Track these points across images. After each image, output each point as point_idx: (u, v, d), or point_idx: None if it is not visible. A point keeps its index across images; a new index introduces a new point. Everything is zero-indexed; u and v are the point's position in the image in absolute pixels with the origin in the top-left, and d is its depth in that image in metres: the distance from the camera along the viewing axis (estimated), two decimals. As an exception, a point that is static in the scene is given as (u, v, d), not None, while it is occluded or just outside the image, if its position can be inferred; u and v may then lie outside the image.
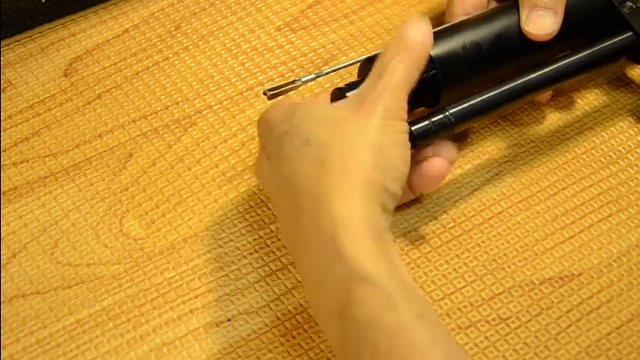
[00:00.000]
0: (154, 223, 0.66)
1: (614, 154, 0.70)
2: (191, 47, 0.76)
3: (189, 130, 0.71)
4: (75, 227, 0.65)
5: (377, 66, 0.60)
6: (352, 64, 0.64)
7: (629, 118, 0.72)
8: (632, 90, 0.73)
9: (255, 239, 0.65)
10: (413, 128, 0.60)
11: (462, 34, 0.64)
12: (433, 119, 0.61)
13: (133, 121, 0.71)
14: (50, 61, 0.74)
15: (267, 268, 0.64)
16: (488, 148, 0.70)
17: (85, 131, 0.70)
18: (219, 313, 0.62)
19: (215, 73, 0.74)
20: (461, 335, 0.61)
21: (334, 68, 0.63)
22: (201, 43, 0.76)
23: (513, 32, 0.65)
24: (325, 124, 0.58)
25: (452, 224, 0.66)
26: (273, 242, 0.65)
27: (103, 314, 0.61)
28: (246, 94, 0.73)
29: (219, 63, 0.75)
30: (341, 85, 0.63)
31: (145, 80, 0.73)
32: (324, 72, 0.63)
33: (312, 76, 0.63)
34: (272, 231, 0.65)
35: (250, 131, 0.70)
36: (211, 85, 0.73)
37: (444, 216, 0.67)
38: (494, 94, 0.63)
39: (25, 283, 0.63)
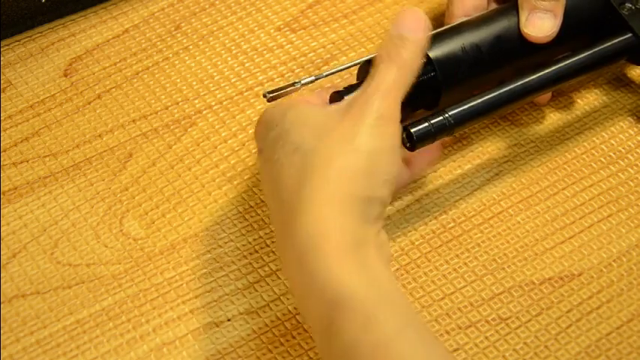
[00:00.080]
0: (154, 223, 0.66)
1: (614, 154, 0.70)
2: (191, 47, 0.76)
3: (189, 130, 0.71)
4: (75, 227, 0.65)
5: (371, 70, 0.59)
6: (352, 66, 0.64)
7: (629, 118, 0.72)
8: (632, 90, 0.73)
9: (255, 239, 0.65)
10: (412, 130, 0.60)
11: (461, 35, 0.64)
12: (432, 121, 0.61)
13: (133, 121, 0.71)
14: (50, 61, 0.74)
15: (267, 268, 0.64)
16: (488, 148, 0.70)
17: (85, 131, 0.70)
18: (219, 313, 0.62)
19: (215, 73, 0.74)
20: (461, 335, 0.61)
21: (333, 70, 0.63)
22: (201, 43, 0.76)
23: (513, 34, 0.65)
24: (314, 130, 0.57)
25: (452, 224, 0.66)
26: (272, 242, 0.65)
27: (103, 314, 0.62)
28: (246, 94, 0.73)
29: (219, 63, 0.75)
30: (342, 84, 0.63)
31: (145, 80, 0.73)
32: (324, 74, 0.63)
33: (312, 78, 0.63)
34: (272, 231, 0.65)
35: (250, 131, 0.70)
36: (211, 85, 0.73)
37: (444, 216, 0.67)
38: (494, 96, 0.63)
39: (25, 283, 0.63)
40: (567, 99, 0.73)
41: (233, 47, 0.76)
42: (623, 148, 0.70)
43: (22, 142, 0.70)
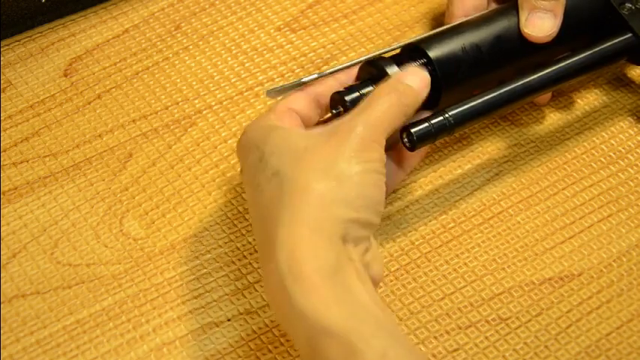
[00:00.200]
0: (154, 223, 0.66)
1: (614, 154, 0.70)
2: (191, 47, 0.76)
3: (189, 130, 0.71)
4: (75, 227, 0.65)
5: (365, 100, 0.59)
6: (352, 65, 0.64)
7: (629, 118, 0.72)
8: (632, 90, 0.74)
9: (254, 239, 0.65)
10: (412, 130, 0.60)
11: (461, 36, 0.64)
12: (432, 121, 0.61)
13: (133, 121, 0.71)
14: (50, 61, 0.74)
15: (267, 269, 0.64)
16: (488, 148, 0.70)
17: (85, 131, 0.70)
18: (219, 313, 0.62)
19: (215, 73, 0.74)
20: (461, 335, 0.61)
21: (334, 69, 0.63)
22: (201, 43, 0.76)
23: (513, 34, 0.65)
24: (294, 154, 0.56)
25: (452, 224, 0.66)
26: (273, 242, 0.65)
27: (103, 314, 0.62)
28: (246, 94, 0.73)
29: (219, 63, 0.75)
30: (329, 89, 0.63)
31: (145, 80, 0.73)
32: (325, 72, 0.63)
33: (314, 76, 0.63)
34: (272, 231, 0.65)
35: (250, 131, 0.70)
36: (211, 85, 0.73)
37: (444, 216, 0.67)
38: (494, 96, 0.63)
39: (25, 283, 0.63)
40: (567, 99, 0.73)
41: (233, 47, 0.76)
42: (623, 148, 0.70)
43: (22, 142, 0.70)
